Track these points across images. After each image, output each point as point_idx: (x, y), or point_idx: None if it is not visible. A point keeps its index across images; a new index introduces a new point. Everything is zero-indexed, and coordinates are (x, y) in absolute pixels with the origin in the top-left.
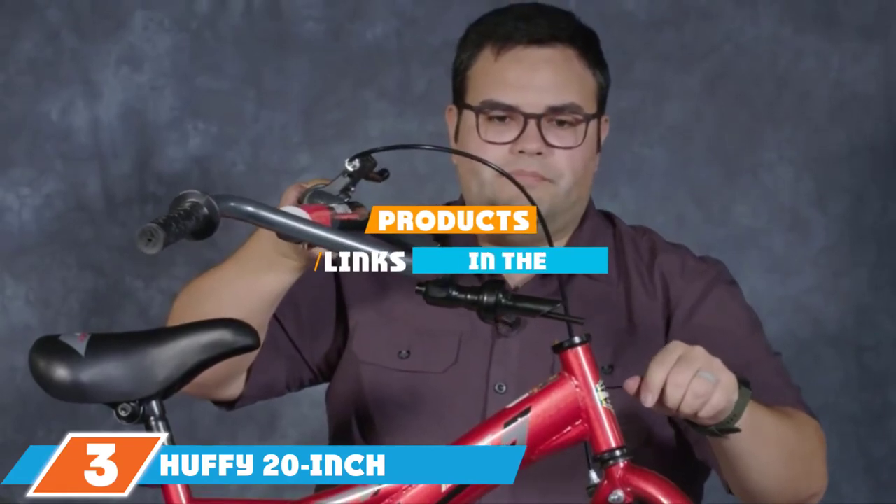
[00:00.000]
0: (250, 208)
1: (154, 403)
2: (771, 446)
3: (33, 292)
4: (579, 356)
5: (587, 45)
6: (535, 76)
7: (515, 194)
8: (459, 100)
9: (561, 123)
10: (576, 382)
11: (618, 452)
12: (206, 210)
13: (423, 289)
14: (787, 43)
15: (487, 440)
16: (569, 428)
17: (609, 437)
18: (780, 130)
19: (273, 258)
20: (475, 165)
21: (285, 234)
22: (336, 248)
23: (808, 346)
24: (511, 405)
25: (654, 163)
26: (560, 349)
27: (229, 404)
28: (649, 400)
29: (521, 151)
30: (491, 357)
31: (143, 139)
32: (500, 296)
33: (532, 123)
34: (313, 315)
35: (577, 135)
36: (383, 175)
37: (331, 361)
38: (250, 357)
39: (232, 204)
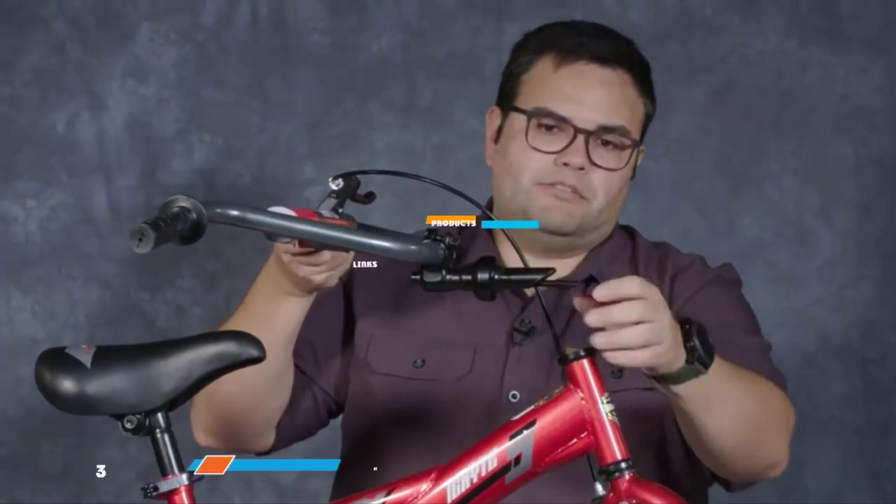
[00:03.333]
0: (236, 212)
1: (160, 415)
2: (726, 410)
3: (39, 304)
4: (584, 368)
5: (643, 74)
6: (591, 93)
7: (548, 204)
8: (507, 102)
9: (606, 144)
10: (581, 395)
11: (623, 465)
12: (194, 215)
13: (419, 276)
14: (793, 56)
15: (493, 453)
16: (574, 440)
17: (615, 449)
18: (785, 143)
19: (277, 298)
20: (516, 169)
21: (274, 234)
22: (324, 240)
23: (813, 358)
24: (516, 417)
25: (659, 176)
26: (565, 361)
27: (266, 452)
28: (592, 318)
29: (564, 164)
30: (504, 366)
31: (149, 151)
32: (493, 272)
33: (581, 138)
34: (327, 348)
35: (621, 159)
36: (370, 197)
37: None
38: (278, 411)
39: (218, 210)
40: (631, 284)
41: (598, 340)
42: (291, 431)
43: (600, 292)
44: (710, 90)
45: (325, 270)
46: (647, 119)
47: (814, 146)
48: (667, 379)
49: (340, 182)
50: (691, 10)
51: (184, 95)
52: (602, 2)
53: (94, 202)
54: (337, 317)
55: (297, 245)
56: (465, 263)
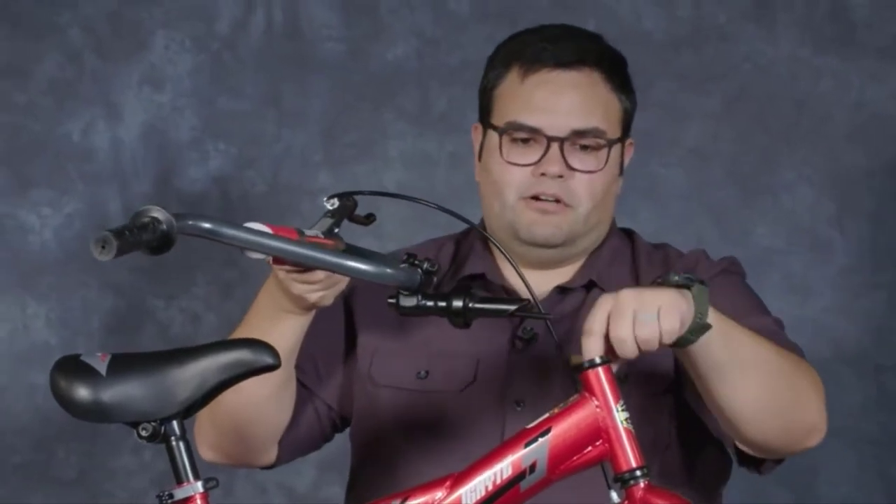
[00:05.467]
0: (208, 225)
1: (175, 423)
2: (748, 359)
3: (54, 312)
4: (600, 376)
5: (614, 68)
6: (560, 99)
7: (533, 219)
8: (485, 119)
9: (584, 147)
10: (596, 403)
11: (638, 473)
12: (164, 226)
13: (394, 300)
14: (806, 64)
15: (508, 460)
16: (589, 448)
17: (630, 457)
18: (798, 151)
19: (276, 315)
20: (498, 186)
21: (248, 249)
22: (297, 258)
23: (827, 366)
24: (531, 425)
25: (672, 184)
26: (580, 369)
27: (270, 466)
28: (592, 350)
29: (542, 174)
30: (508, 375)
31: (164, 159)
32: (468, 300)
33: (555, 146)
34: (329, 362)
35: (599, 159)
36: (369, 219)
37: (351, 398)
38: (281, 426)
39: (190, 222)
40: (593, 319)
41: (629, 353)
42: (294, 446)
43: (591, 345)
44: (723, 98)
45: (320, 289)
46: (627, 113)
47: (827, 154)
48: (696, 320)
49: (335, 202)
50: (705, 18)
51: (199, 103)
52: (615, 10)
53: (110, 210)
54: (338, 330)
55: (271, 261)
56: (441, 293)
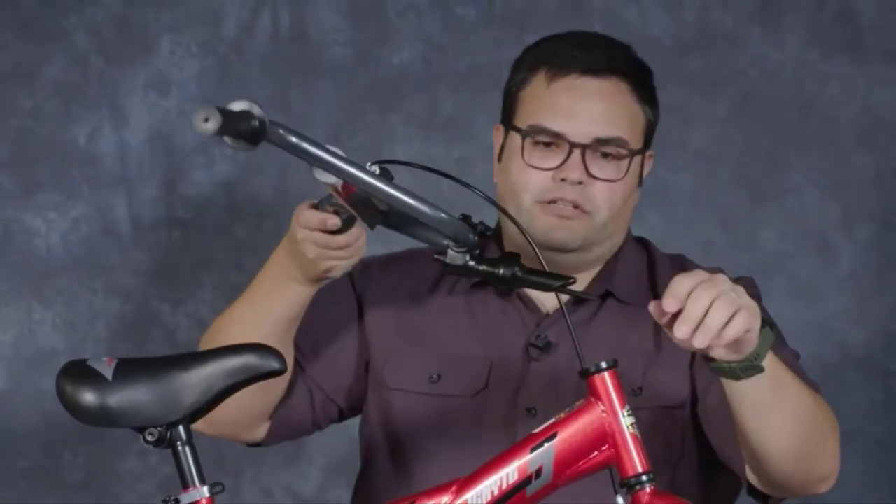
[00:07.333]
0: (293, 139)
1: (181, 428)
2: (790, 405)
3: (60, 317)
4: (606, 381)
5: (640, 80)
6: (585, 106)
7: (550, 223)
8: (508, 120)
9: (605, 156)
10: (602, 407)
11: (644, 478)
12: (257, 123)
13: (442, 257)
14: (814, 68)
15: (514, 465)
16: (595, 453)
17: (636, 462)
18: (806, 155)
19: (281, 282)
20: (516, 188)
21: (323, 169)
22: (367, 187)
23: (834, 370)
24: (537, 430)
25: (680, 188)
26: (587, 374)
27: (258, 443)
28: (670, 305)
29: (562, 179)
30: (521, 381)
31: (170, 164)
32: (517, 268)
33: (577, 152)
34: (336, 354)
35: (620, 169)
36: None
37: (354, 395)
38: (271, 403)
39: (280, 131)
40: (682, 285)
41: (699, 340)
42: (286, 423)
43: (669, 305)
44: (731, 102)
45: (335, 259)
46: (650, 125)
47: (835, 158)
48: (752, 358)
49: (377, 168)
50: (712, 22)
51: None
52: (622, 15)
53: (116, 214)
54: (350, 326)
55: (339, 190)
56: (490, 258)
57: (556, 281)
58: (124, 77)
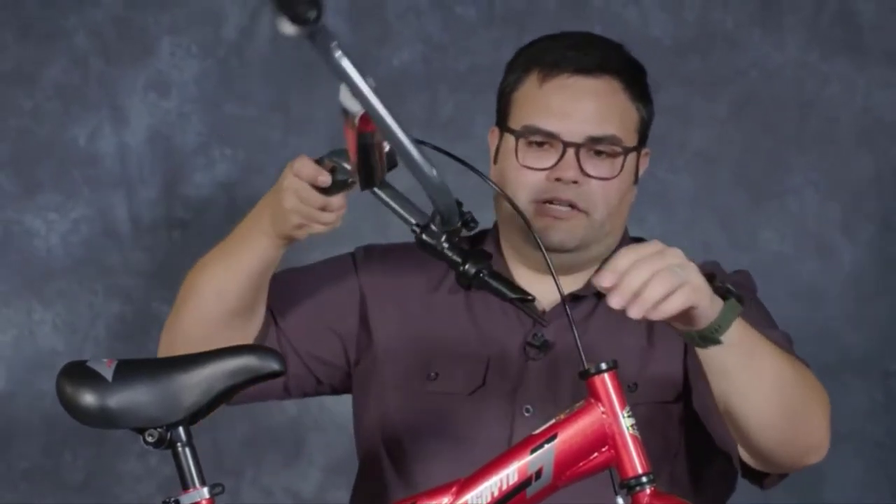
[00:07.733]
0: (338, 53)
1: (181, 429)
2: (766, 375)
3: (60, 318)
4: (606, 383)
5: (633, 78)
6: (577, 105)
7: (546, 224)
8: (502, 122)
9: (599, 154)
10: (602, 409)
11: (644, 479)
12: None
13: (419, 229)
14: (814, 69)
15: (514, 466)
16: (595, 454)
17: (636, 463)
18: (806, 156)
19: (252, 233)
20: (512, 189)
21: (352, 93)
22: (386, 130)
23: (834, 372)
24: (537, 431)
25: (680, 189)
26: (586, 375)
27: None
28: (605, 279)
29: (557, 179)
30: (518, 379)
31: (170, 165)
32: (483, 269)
33: (571, 152)
34: (315, 317)
35: (615, 167)
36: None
37: (331, 372)
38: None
39: (333, 44)
40: (624, 258)
41: (633, 311)
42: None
43: (605, 280)
44: (731, 103)
45: (308, 218)
46: (644, 123)
47: (835, 159)
48: (711, 331)
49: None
50: (712, 23)
51: (205, 109)
52: (622, 15)
53: (116, 215)
54: (343, 301)
55: (357, 122)
56: (462, 248)
57: (515, 293)
58: (124, 78)
